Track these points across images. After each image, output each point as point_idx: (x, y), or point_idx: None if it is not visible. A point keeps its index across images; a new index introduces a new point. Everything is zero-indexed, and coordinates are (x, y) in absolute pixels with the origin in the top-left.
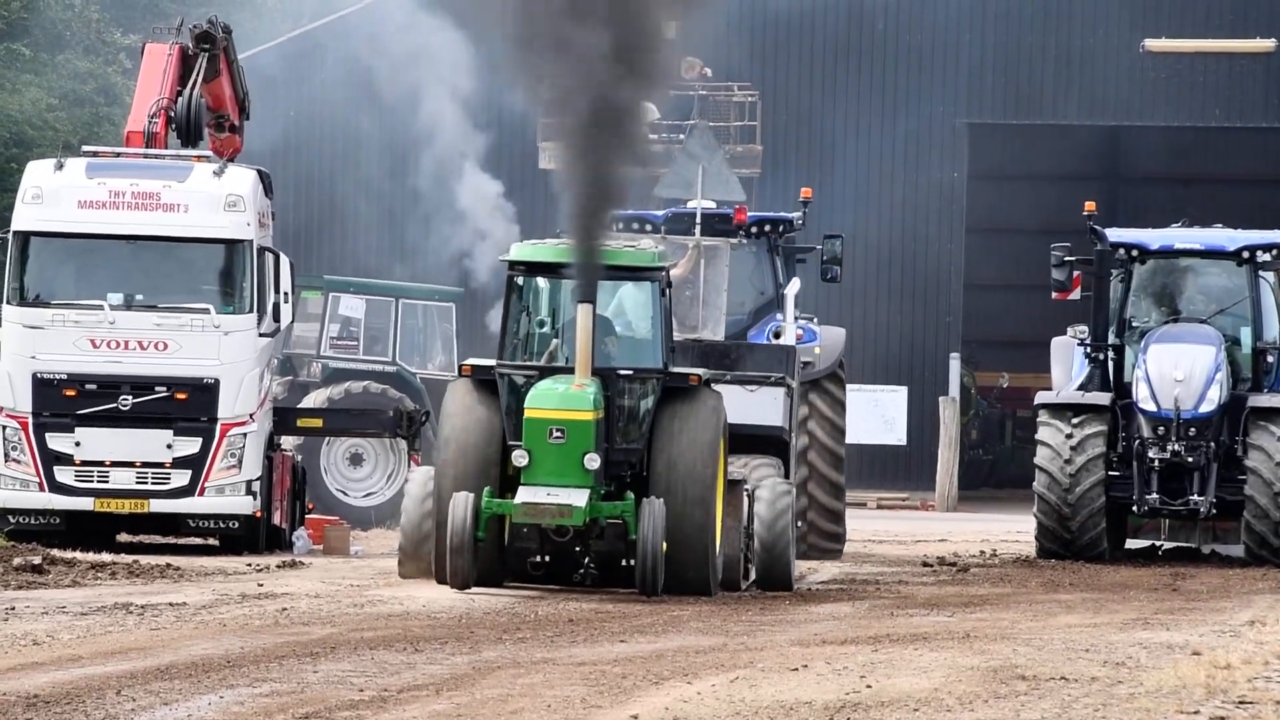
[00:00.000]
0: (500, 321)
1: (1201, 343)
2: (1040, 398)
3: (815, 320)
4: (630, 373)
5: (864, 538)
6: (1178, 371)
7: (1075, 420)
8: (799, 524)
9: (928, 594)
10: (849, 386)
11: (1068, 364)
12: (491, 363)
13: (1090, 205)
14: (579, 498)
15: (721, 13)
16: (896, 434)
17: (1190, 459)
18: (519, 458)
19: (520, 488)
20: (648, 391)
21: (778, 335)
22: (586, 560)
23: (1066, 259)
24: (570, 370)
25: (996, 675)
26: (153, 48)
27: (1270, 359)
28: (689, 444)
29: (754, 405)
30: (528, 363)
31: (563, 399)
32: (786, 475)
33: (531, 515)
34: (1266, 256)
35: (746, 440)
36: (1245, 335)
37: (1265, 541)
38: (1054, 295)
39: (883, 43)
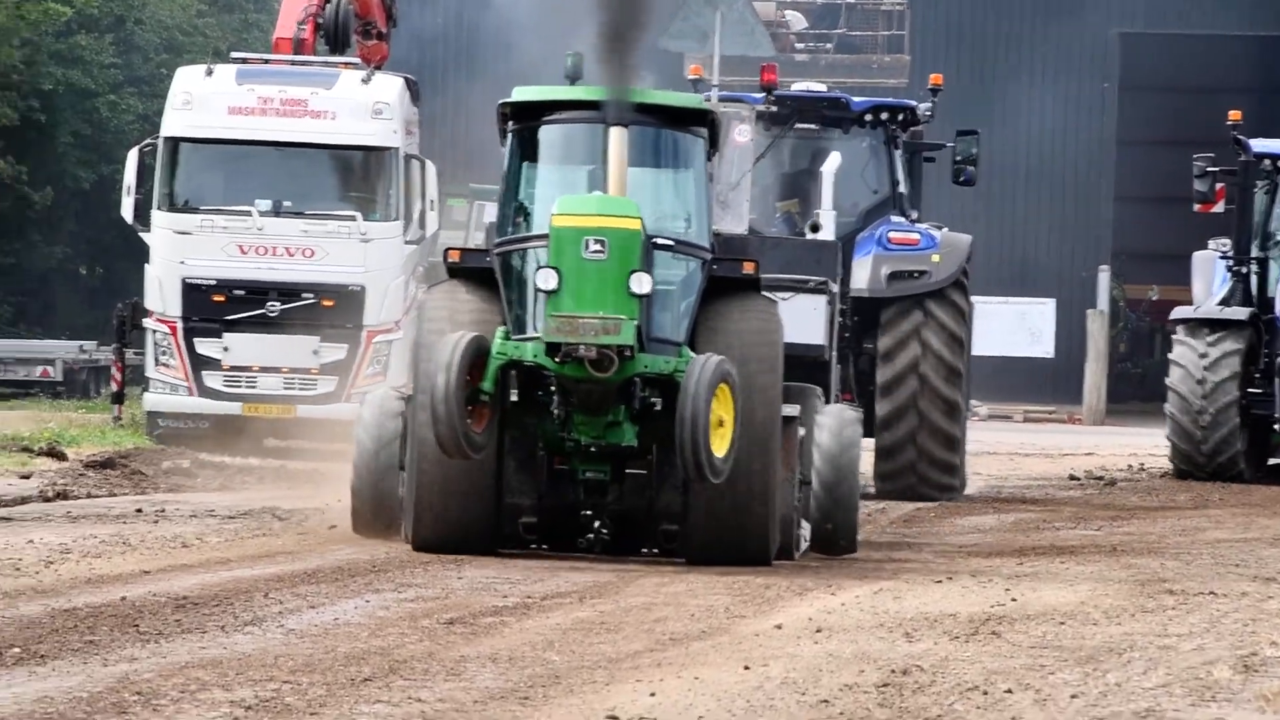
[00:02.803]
0: (499, 194)
1: None
2: (1177, 313)
3: (944, 228)
4: (671, 243)
5: (1009, 450)
6: None
7: (1211, 339)
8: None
9: (1074, 508)
10: (996, 299)
11: (1209, 278)
12: (475, 247)
13: (1235, 114)
14: (626, 325)
15: None
16: (1044, 347)
17: None
18: (545, 279)
19: (547, 317)
20: (692, 278)
21: (815, 229)
22: (598, 524)
23: (1209, 169)
24: None
25: (1144, 589)
26: None
27: None
28: (750, 356)
29: (788, 317)
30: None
31: (602, 203)
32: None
33: (568, 333)
34: None
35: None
36: None
37: None
38: (1196, 207)
39: None
